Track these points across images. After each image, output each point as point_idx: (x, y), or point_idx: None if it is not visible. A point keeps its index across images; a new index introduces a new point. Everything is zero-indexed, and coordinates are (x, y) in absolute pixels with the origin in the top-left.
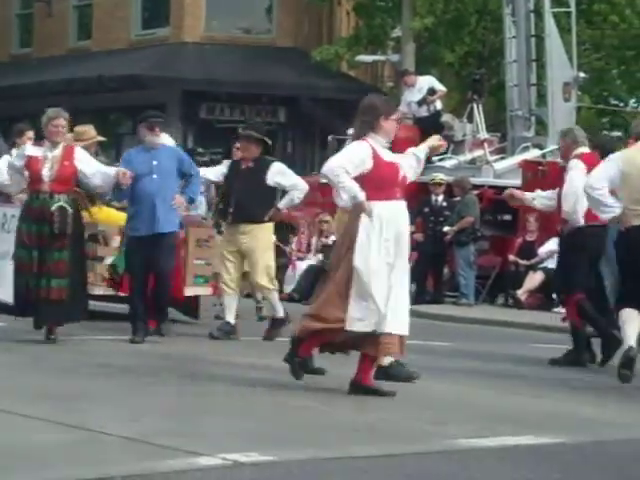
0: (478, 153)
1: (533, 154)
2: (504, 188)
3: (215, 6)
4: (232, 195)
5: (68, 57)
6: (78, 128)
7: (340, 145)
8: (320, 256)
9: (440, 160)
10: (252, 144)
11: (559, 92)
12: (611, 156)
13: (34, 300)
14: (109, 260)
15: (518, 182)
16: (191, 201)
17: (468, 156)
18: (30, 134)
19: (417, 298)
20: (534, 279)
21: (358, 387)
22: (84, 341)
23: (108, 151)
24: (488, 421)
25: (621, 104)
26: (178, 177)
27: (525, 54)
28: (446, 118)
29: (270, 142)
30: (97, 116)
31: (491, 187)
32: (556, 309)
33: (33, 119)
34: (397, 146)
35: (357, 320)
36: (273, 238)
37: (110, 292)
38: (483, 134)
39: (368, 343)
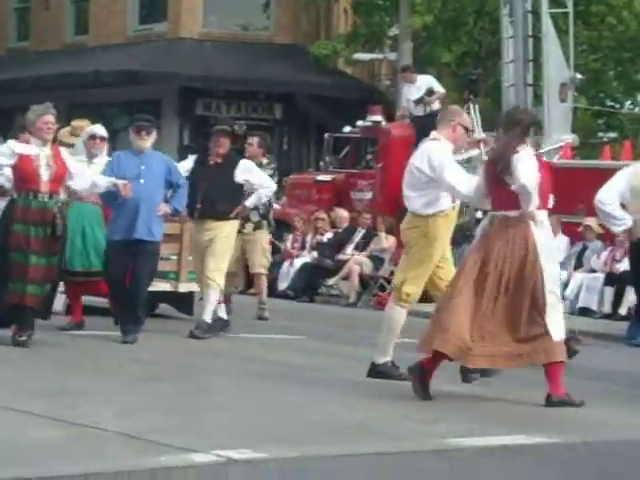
0: (474, 152)
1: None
2: None
3: (213, 2)
4: (199, 191)
5: (65, 51)
6: (74, 122)
7: (336, 143)
8: (315, 253)
9: None
10: (227, 139)
11: (555, 93)
12: (620, 171)
13: (18, 305)
14: None
15: None
16: (176, 212)
17: (464, 155)
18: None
19: None
20: None
21: (555, 401)
22: (77, 337)
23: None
24: (478, 420)
25: (617, 106)
26: (165, 185)
27: (522, 54)
28: None
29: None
30: (93, 111)
31: None
32: None
33: None
34: (392, 145)
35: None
36: (234, 234)
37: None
38: (479, 134)
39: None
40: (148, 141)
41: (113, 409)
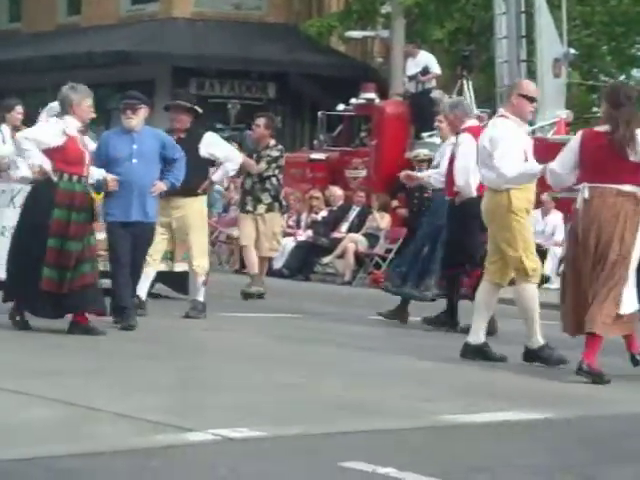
0: None
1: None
2: None
3: None
4: None
5: (57, 32)
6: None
7: (330, 121)
8: (310, 232)
9: (430, 136)
10: (182, 114)
11: (549, 68)
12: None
13: (63, 292)
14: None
15: None
16: (173, 187)
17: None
18: (19, 109)
19: None
20: None
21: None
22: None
23: (98, 127)
24: (475, 397)
25: (611, 81)
26: (160, 162)
27: (515, 30)
28: (436, 94)
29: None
30: None
31: None
32: (546, 285)
33: (23, 94)
34: (386, 123)
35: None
36: (205, 210)
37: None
38: (473, 110)
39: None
40: (134, 119)
41: (109, 389)
